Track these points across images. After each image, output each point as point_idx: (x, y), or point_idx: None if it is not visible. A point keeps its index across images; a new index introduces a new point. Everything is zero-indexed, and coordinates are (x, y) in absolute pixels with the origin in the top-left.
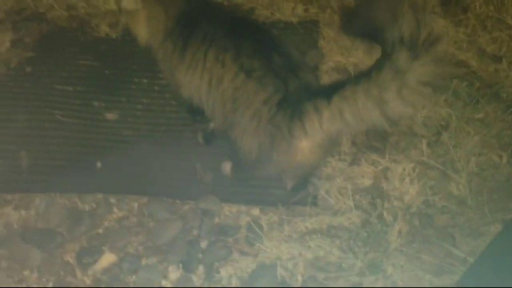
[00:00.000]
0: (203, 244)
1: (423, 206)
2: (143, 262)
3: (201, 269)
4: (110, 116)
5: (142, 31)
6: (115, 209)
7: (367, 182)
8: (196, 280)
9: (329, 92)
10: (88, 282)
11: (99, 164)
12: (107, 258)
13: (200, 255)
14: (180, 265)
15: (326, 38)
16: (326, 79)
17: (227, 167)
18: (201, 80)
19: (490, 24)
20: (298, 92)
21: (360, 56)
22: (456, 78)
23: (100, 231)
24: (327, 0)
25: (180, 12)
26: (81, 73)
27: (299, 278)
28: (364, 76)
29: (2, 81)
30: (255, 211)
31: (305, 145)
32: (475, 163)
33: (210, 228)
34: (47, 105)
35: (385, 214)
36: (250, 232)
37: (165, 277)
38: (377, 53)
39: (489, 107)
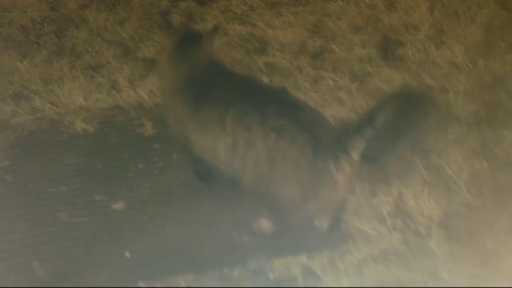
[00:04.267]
0: None
1: (443, 216)
2: None
3: None
4: (118, 206)
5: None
6: None
7: (390, 208)
8: None
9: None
10: None
11: (127, 254)
12: None
13: None
14: None
15: None
16: None
17: (262, 224)
18: (217, 141)
19: (428, 67)
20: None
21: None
22: None
23: None
24: None
25: (189, 72)
26: (71, 172)
27: None
28: None
29: None
30: (303, 259)
31: (346, 178)
32: (467, 174)
33: (269, 285)
34: (46, 209)
35: (420, 229)
36: (308, 278)
37: None
38: None
39: (454, 128)
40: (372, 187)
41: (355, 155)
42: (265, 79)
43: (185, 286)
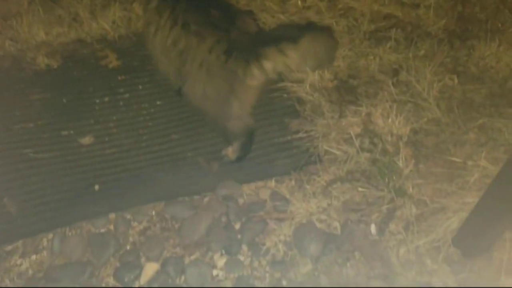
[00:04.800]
0: (237, 226)
1: (412, 133)
2: (187, 260)
3: (244, 248)
4: (85, 140)
5: None
6: (134, 223)
7: (358, 129)
8: (244, 259)
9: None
10: None
11: (97, 187)
12: (150, 268)
13: (239, 236)
14: (223, 251)
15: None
16: None
17: (228, 151)
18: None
19: None
20: (241, 40)
21: None
22: (392, 27)
23: (128, 247)
24: None
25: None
26: (36, 107)
27: (337, 224)
28: None
29: None
30: (271, 183)
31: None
32: (437, 89)
33: (238, 210)
34: (12, 146)
35: (387, 148)
36: (276, 201)
37: (214, 266)
38: None
39: (425, 44)
40: (340, 108)
41: (267, 65)
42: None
43: (155, 214)
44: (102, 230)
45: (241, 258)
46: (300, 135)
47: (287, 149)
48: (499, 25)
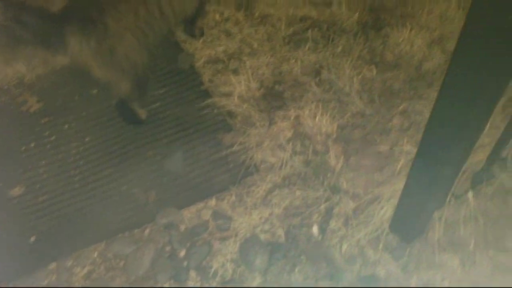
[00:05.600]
0: (182, 253)
1: (339, 130)
2: None
3: (192, 274)
4: (15, 191)
5: None
6: (77, 269)
7: (289, 133)
8: (194, 284)
9: None
10: None
11: (33, 238)
12: None
13: (185, 263)
14: (172, 281)
15: (188, 41)
16: (207, 73)
17: (165, 176)
18: None
19: None
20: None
21: (225, 42)
22: (309, 28)
23: None
24: None
25: None
26: None
27: (281, 232)
28: None
29: None
30: (212, 202)
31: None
32: (357, 83)
33: (180, 236)
34: None
35: (317, 147)
36: (218, 220)
37: None
38: None
39: (342, 39)
40: (269, 115)
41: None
42: None
43: (97, 255)
44: (44, 283)
45: (191, 284)
46: (235, 148)
47: (223, 164)
48: (409, 9)
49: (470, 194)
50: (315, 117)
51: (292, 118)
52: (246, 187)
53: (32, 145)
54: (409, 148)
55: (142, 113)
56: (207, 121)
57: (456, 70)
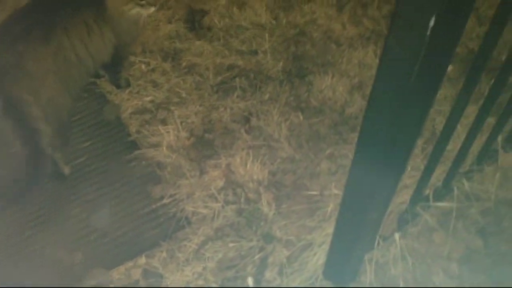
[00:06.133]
0: None
1: (270, 176)
2: None
3: None
4: None
5: None
6: None
7: (221, 182)
8: None
9: None
10: None
11: None
12: None
13: None
14: None
15: (113, 92)
16: (134, 124)
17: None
18: None
19: (234, 31)
20: None
21: (152, 92)
22: (236, 77)
23: None
24: None
25: None
26: None
27: (215, 286)
28: None
29: None
30: (142, 260)
31: None
32: (286, 129)
33: None
34: None
35: (250, 196)
36: (149, 278)
37: None
38: None
39: (269, 87)
40: (200, 165)
41: None
42: None
43: None
44: None
45: None
46: (165, 201)
47: (153, 218)
48: (329, 58)
49: (397, 235)
50: (246, 164)
51: (223, 166)
52: (178, 242)
53: None
54: (337, 192)
55: (66, 169)
56: (136, 174)
57: (373, 114)
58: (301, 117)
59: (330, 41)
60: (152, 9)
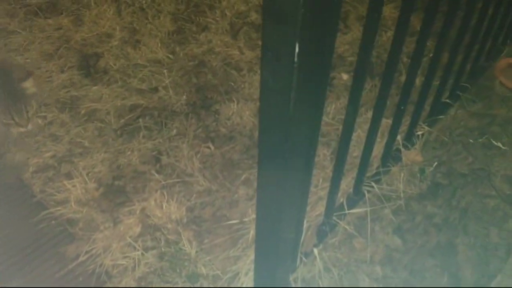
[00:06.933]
0: None
1: (188, 213)
2: None
3: None
4: None
5: None
6: None
7: (138, 229)
8: None
9: None
10: None
11: None
12: None
13: None
14: None
15: None
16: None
17: None
18: None
19: (131, 71)
20: None
21: (52, 147)
22: (140, 117)
23: None
24: None
25: None
26: None
27: None
28: None
29: None
30: None
31: None
32: (198, 161)
33: None
34: None
35: (169, 237)
36: None
37: None
38: None
39: (175, 122)
40: (113, 215)
41: None
42: None
43: None
44: None
45: None
46: (81, 259)
47: (71, 280)
48: (232, 84)
49: (316, 251)
50: (162, 205)
51: (138, 212)
52: None
53: None
54: (255, 217)
55: None
56: (46, 236)
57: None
58: (212, 147)
59: (230, 67)
60: (22, 129)
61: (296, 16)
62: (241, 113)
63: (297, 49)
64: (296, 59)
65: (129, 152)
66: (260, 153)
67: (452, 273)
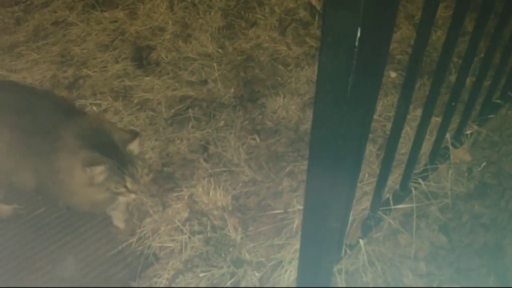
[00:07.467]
0: None
1: (234, 201)
2: None
3: None
4: None
5: None
6: None
7: (185, 214)
8: None
9: None
10: None
11: None
12: None
13: None
14: None
15: None
16: None
17: None
18: None
19: (182, 63)
20: None
21: None
22: (189, 107)
23: None
24: None
25: None
26: None
27: None
28: None
29: None
30: None
31: None
32: (244, 152)
33: None
34: None
35: (215, 223)
36: None
37: None
38: None
39: (223, 114)
40: (162, 199)
41: None
42: None
43: None
44: None
45: None
46: (130, 240)
47: (120, 260)
48: (279, 79)
49: (362, 243)
50: (208, 192)
51: (186, 197)
52: (148, 280)
53: None
54: (300, 207)
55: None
56: (98, 216)
57: (318, 129)
58: (258, 139)
59: (277, 62)
60: (133, 196)
61: (359, 0)
62: (287, 107)
63: (358, 34)
64: (357, 44)
65: (178, 141)
66: (312, 139)
67: (499, 274)
